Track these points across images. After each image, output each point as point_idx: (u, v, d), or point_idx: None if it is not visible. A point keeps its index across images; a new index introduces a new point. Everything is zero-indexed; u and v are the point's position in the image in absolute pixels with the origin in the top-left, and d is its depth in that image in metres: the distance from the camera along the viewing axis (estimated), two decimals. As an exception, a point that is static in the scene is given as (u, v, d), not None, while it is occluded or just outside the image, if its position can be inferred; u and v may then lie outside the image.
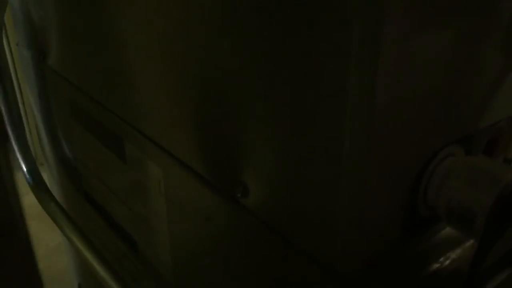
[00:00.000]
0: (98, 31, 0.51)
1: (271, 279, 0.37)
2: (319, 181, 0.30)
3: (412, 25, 0.25)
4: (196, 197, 0.44)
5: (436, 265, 0.32)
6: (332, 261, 0.31)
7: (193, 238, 0.48)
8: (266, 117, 0.32)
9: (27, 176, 0.76)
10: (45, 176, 0.79)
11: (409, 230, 0.32)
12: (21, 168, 0.77)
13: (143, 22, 0.42)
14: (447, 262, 0.33)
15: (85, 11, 0.52)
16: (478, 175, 0.28)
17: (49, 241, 1.90)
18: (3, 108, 0.69)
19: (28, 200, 0.78)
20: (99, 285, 0.59)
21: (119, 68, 0.49)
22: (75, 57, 0.59)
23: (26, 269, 0.51)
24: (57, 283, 1.77)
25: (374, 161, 0.28)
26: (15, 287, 0.51)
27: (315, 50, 0.27)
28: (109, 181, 0.60)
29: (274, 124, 0.32)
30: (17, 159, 0.77)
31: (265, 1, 0.29)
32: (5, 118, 0.70)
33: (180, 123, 0.42)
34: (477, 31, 0.29)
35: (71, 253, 0.91)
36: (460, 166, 0.29)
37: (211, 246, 0.45)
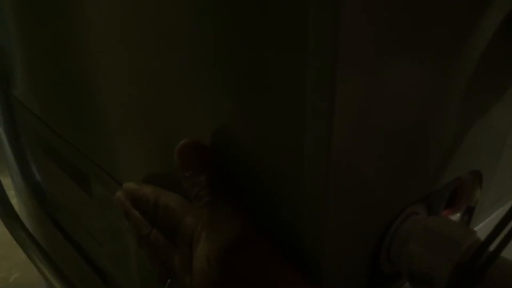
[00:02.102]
0: (61, 62, 0.50)
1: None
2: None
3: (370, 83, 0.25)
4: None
5: (400, 320, 0.32)
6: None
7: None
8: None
9: (-5, 203, 0.74)
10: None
11: (373, 285, 0.32)
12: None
13: (110, 56, 0.41)
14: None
15: (48, 39, 0.51)
16: (437, 239, 0.28)
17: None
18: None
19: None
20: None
21: (82, 105, 0.48)
22: (39, 89, 0.58)
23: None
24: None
25: (335, 220, 0.27)
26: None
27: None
28: (78, 213, 0.59)
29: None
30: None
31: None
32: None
33: (147, 167, 0.41)
34: (439, 84, 0.29)
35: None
36: (420, 230, 0.29)
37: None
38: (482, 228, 0.40)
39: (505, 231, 0.27)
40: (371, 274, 0.31)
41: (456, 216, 0.37)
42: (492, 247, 0.28)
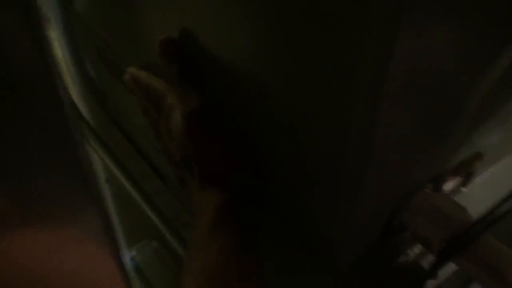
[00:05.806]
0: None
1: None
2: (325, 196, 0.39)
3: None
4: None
5: (403, 257, 0.44)
6: (331, 256, 0.42)
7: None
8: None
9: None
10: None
11: (385, 234, 0.43)
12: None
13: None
14: (412, 254, 0.44)
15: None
16: (437, 214, 0.38)
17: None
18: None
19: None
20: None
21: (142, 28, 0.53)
22: (101, 9, 0.63)
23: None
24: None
25: (370, 189, 0.36)
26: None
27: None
28: (140, 124, 0.69)
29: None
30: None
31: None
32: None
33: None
34: (475, 74, 0.34)
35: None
36: (426, 206, 0.39)
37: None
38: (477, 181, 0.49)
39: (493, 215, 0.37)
40: (385, 230, 0.41)
41: (457, 179, 0.46)
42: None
